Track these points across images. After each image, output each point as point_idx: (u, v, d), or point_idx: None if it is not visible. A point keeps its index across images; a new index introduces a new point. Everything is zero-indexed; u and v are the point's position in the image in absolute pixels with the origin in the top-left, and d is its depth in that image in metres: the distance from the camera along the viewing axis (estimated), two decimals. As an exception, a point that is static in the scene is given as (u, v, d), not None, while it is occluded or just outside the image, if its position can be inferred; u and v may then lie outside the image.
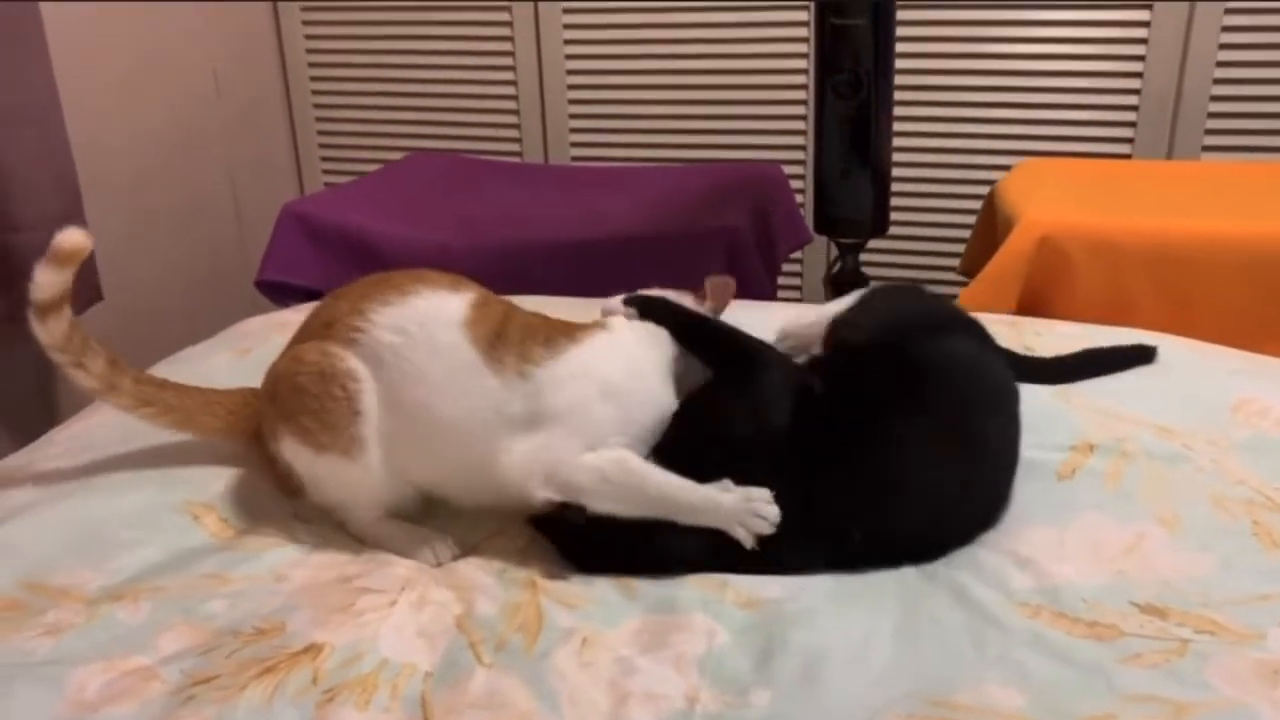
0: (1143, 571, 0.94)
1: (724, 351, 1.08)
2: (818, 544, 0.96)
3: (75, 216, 1.87)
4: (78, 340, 1.10)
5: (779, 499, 0.94)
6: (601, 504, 0.96)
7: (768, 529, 0.94)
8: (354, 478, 1.02)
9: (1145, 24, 2.21)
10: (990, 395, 1.06)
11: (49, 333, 1.08)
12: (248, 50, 2.63)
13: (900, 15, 1.77)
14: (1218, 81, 2.20)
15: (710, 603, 0.92)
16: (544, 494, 0.97)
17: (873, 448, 0.98)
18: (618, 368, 1.03)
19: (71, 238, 1.06)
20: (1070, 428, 1.15)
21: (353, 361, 1.01)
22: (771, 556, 0.95)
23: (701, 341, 1.09)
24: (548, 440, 0.98)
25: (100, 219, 1.96)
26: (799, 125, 2.46)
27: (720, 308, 1.19)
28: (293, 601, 0.95)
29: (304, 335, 1.09)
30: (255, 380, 1.24)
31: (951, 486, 1.00)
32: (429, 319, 1.02)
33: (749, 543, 0.94)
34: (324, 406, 1.01)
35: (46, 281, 1.07)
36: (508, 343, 1.01)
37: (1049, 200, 1.73)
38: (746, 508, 0.94)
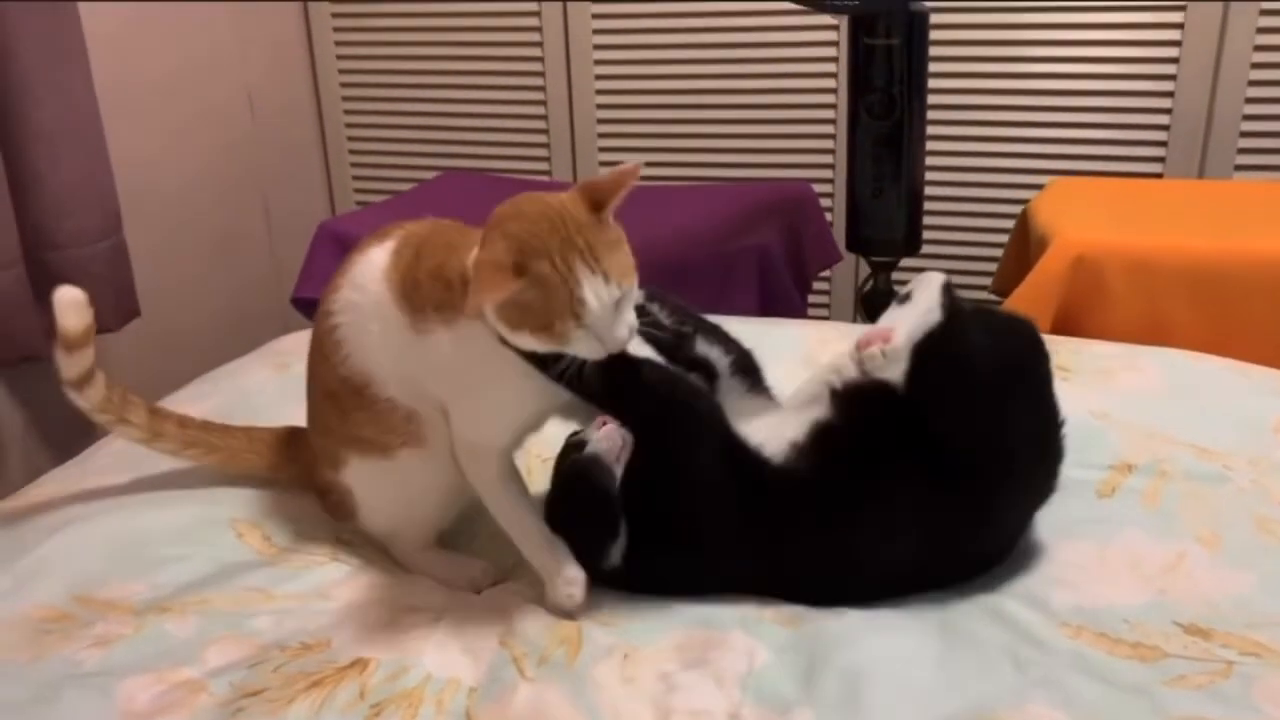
0: (1185, 591, 0.94)
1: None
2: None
3: (115, 234, 1.90)
4: (116, 399, 1.11)
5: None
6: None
7: (570, 606, 0.94)
8: (429, 465, 1.00)
9: (1177, 44, 2.21)
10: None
11: (88, 400, 1.10)
12: (281, 72, 2.67)
13: (932, 35, 1.78)
14: (1250, 101, 2.20)
15: (749, 621, 0.93)
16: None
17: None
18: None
19: (74, 323, 1.06)
20: (1108, 447, 1.15)
21: (352, 364, 0.99)
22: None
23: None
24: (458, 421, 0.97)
25: (138, 236, 1.99)
26: (827, 145, 2.47)
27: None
28: (337, 618, 0.96)
29: (310, 366, 1.08)
30: (296, 393, 1.26)
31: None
32: (364, 280, 0.98)
33: (558, 614, 0.94)
34: (375, 416, 0.99)
35: (69, 363, 1.07)
36: (419, 288, 0.94)
37: (1083, 219, 1.73)
38: (563, 583, 0.94)
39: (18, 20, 1.69)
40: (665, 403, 0.95)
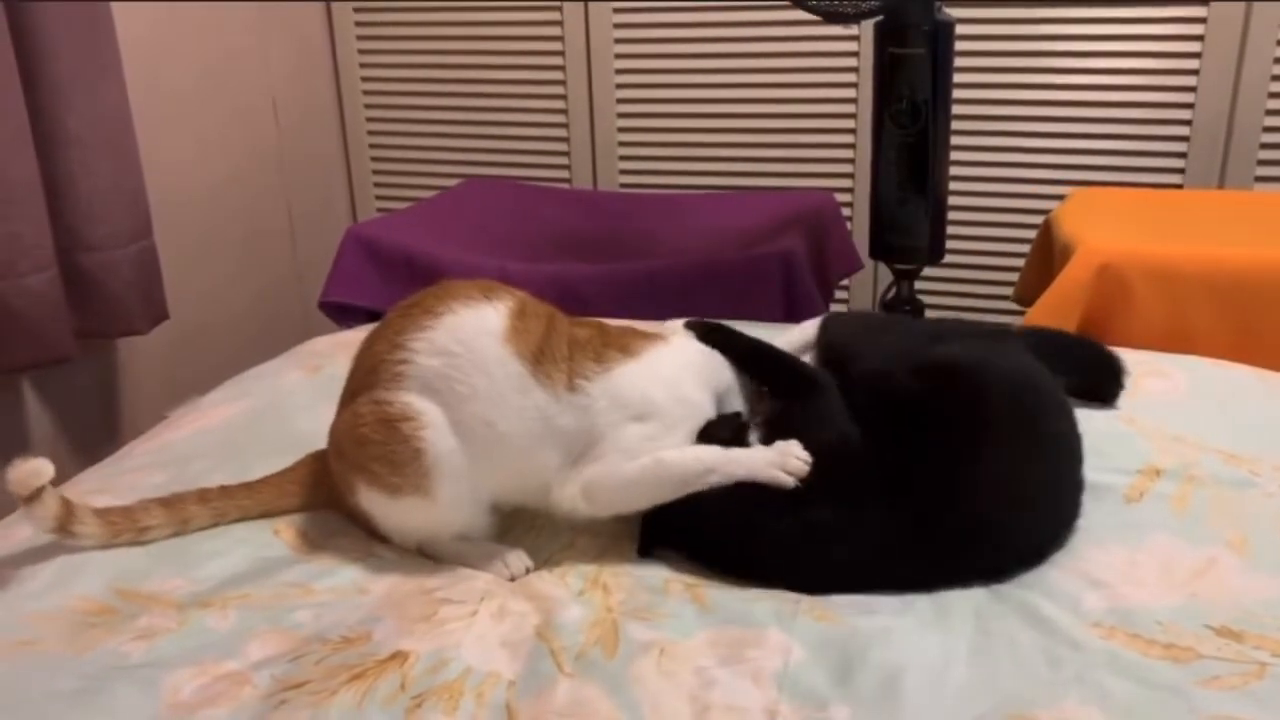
0: (1216, 594, 0.95)
1: (784, 377, 1.13)
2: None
3: (145, 237, 1.92)
4: (129, 520, 1.08)
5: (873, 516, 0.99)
6: (640, 504, 1.02)
7: (803, 470, 0.99)
8: (431, 513, 1.04)
9: (1197, 55, 2.21)
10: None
11: (95, 539, 1.07)
12: (305, 77, 2.70)
13: (956, 46, 1.79)
14: (1270, 113, 2.20)
15: (784, 618, 0.94)
16: (588, 513, 1.03)
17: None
18: (665, 386, 1.04)
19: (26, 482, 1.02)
20: (1136, 452, 1.16)
21: (406, 398, 1.02)
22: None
23: (761, 366, 1.14)
24: (594, 467, 1.02)
25: (164, 240, 2.01)
26: (847, 154, 2.48)
27: None
28: (376, 612, 0.97)
29: (352, 384, 1.09)
30: (329, 394, 1.28)
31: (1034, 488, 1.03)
32: (469, 335, 1.02)
33: (789, 483, 0.99)
34: (390, 451, 1.01)
35: (85, 532, 1.06)
36: (555, 357, 1.03)
37: (1107, 228, 1.74)
38: (781, 453, 1.00)
39: (53, 25, 1.72)
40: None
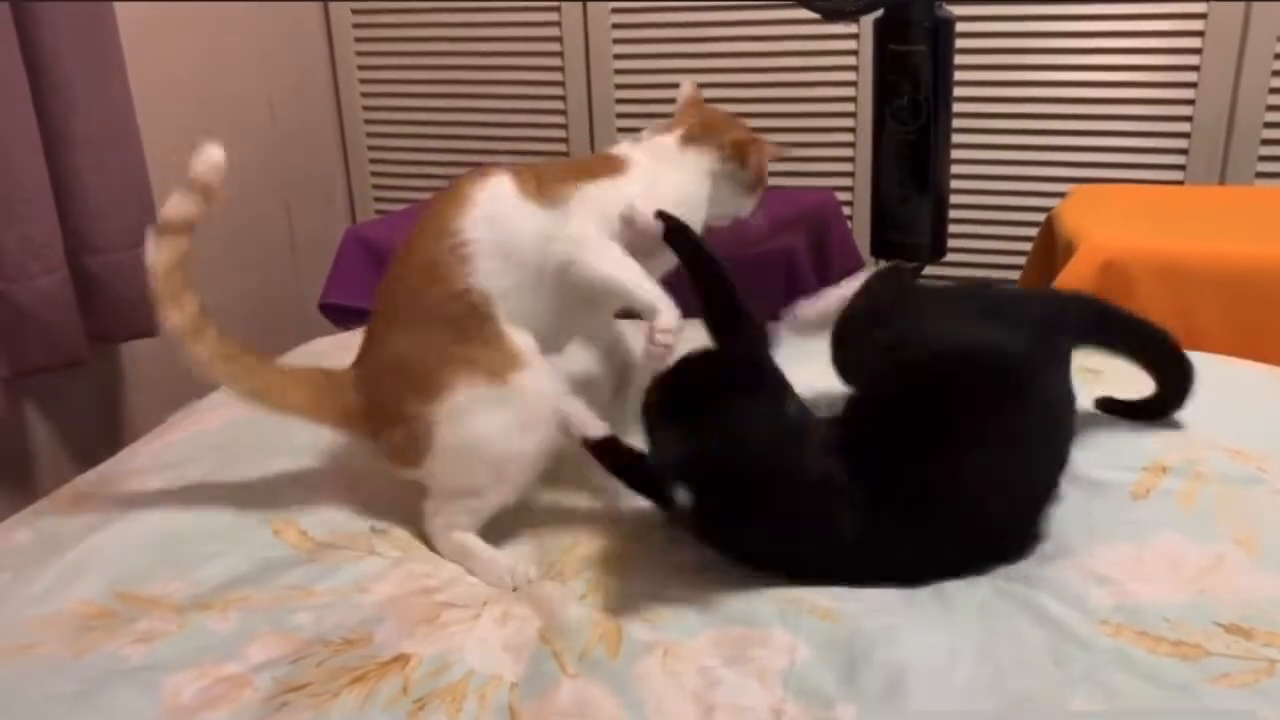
0: (1224, 591, 0.94)
1: (718, 303, 1.09)
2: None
3: (150, 237, 1.91)
4: (179, 278, 1.10)
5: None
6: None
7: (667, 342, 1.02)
8: (524, 398, 1.05)
9: (1197, 51, 2.21)
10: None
11: (156, 252, 1.08)
12: (302, 78, 2.69)
13: (957, 43, 1.78)
14: (1271, 108, 2.20)
15: (788, 617, 0.93)
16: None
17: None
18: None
19: (208, 159, 1.12)
20: (1142, 449, 1.15)
21: (474, 272, 1.06)
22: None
23: (704, 282, 1.10)
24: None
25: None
26: (847, 152, 2.47)
27: (760, 174, 1.29)
28: (377, 613, 0.96)
29: (400, 299, 1.10)
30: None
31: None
32: (498, 201, 1.10)
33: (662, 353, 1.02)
34: (482, 333, 1.06)
35: (174, 202, 1.11)
36: (548, 189, 1.11)
37: (1111, 225, 1.73)
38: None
39: (58, 26, 1.71)
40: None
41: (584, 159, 1.34)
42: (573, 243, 1.08)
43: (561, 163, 1.25)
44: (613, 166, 1.16)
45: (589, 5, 2.53)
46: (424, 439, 1.05)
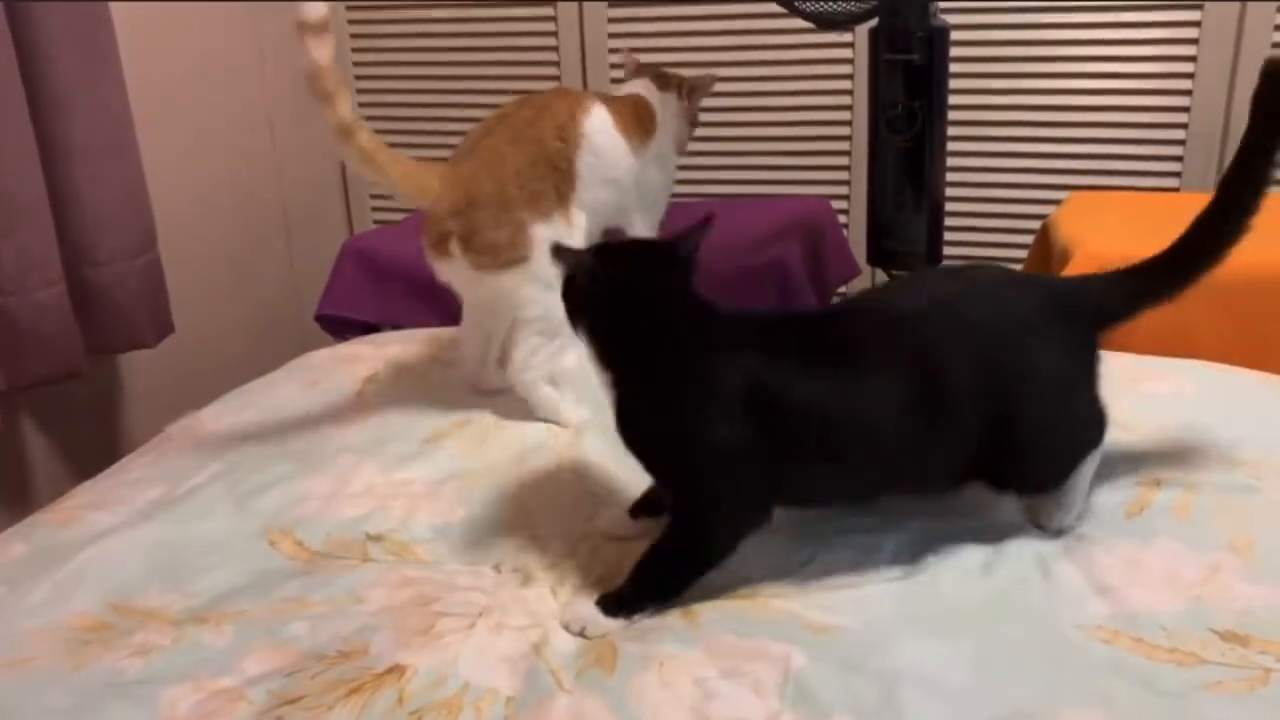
0: (1220, 599, 0.94)
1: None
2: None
3: (150, 249, 1.91)
4: (337, 76, 1.27)
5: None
6: None
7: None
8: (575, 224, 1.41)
9: (1192, 59, 2.22)
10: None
11: (319, 49, 1.27)
12: (299, 89, 2.68)
13: (952, 51, 1.79)
14: (1266, 115, 2.20)
15: (781, 629, 0.93)
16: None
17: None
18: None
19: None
20: (1135, 462, 1.15)
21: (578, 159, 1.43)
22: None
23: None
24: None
25: (163, 254, 2.01)
26: (843, 160, 2.48)
27: (695, 106, 1.71)
28: (373, 623, 0.96)
29: (514, 125, 1.42)
30: (325, 408, 1.28)
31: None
32: (603, 123, 1.49)
33: None
34: (561, 198, 1.41)
35: (313, 6, 1.26)
36: (630, 134, 1.54)
37: (1105, 232, 1.73)
38: None
39: (55, 37, 1.71)
40: None
41: (635, 104, 1.63)
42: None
43: (628, 105, 1.60)
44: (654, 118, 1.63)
45: (585, 14, 2.53)
46: (526, 244, 1.34)
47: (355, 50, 2.75)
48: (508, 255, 1.34)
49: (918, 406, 0.97)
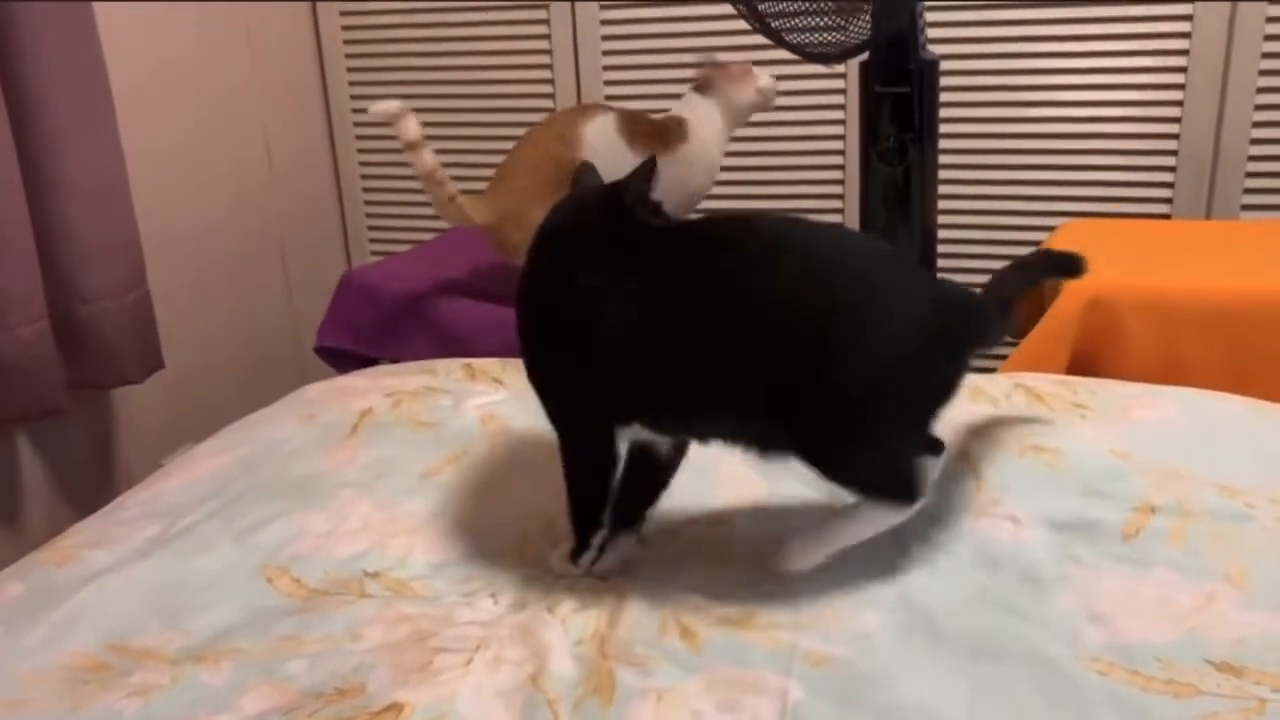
0: (1215, 629, 0.94)
1: None
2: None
3: (139, 286, 1.92)
4: (436, 163, 1.83)
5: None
6: None
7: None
8: None
9: (1180, 87, 2.24)
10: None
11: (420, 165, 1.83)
12: (297, 122, 2.72)
13: (942, 82, 1.81)
14: (1254, 142, 2.23)
15: (779, 660, 0.93)
16: None
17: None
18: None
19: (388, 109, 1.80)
20: (1131, 488, 1.16)
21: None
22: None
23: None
24: None
25: (160, 286, 2.02)
26: (836, 189, 2.50)
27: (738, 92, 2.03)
28: (370, 660, 0.96)
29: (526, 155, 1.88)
30: (323, 442, 1.28)
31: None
32: (602, 129, 1.85)
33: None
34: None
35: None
36: (638, 141, 1.87)
37: (1097, 261, 1.74)
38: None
39: (46, 74, 1.73)
40: None
41: (655, 120, 1.98)
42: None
43: (643, 118, 1.96)
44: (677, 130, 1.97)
45: (577, 6, 2.55)
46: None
47: (354, 97, 2.77)
48: None
49: (723, 325, 0.97)
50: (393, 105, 1.75)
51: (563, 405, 1.09)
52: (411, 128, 1.78)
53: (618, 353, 1.01)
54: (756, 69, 2.01)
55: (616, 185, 1.06)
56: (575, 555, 1.09)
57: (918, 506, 1.02)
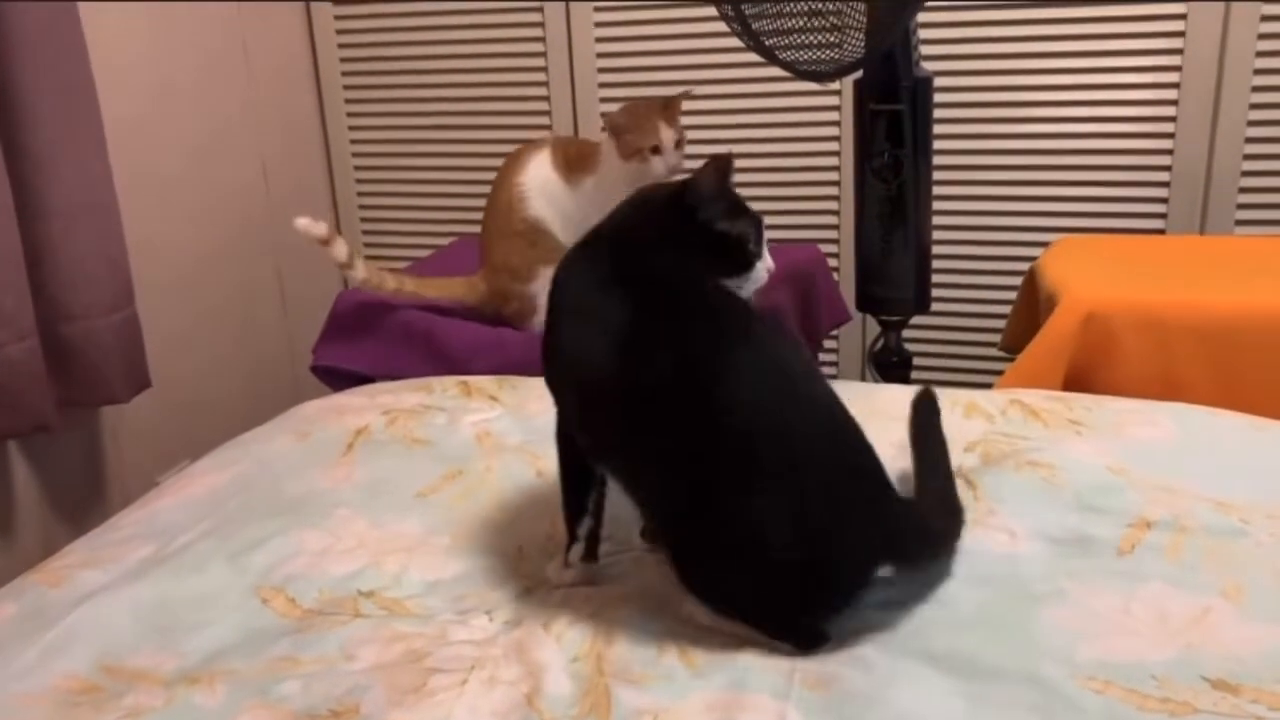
0: (1211, 645, 0.94)
1: None
2: None
3: (126, 306, 1.92)
4: (374, 273, 1.92)
5: None
6: None
7: None
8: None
9: (1174, 103, 2.25)
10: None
11: (356, 274, 1.92)
12: (294, 143, 2.72)
13: (936, 98, 1.82)
14: (1248, 158, 2.23)
15: (778, 682, 0.92)
16: None
17: None
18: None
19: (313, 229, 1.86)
20: (1126, 503, 1.16)
21: (532, 212, 1.89)
22: None
23: None
24: None
25: (158, 304, 2.02)
26: (832, 205, 2.50)
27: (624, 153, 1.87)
28: (364, 681, 0.96)
29: (497, 221, 1.93)
30: (317, 461, 1.28)
31: None
32: (538, 167, 1.90)
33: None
34: (534, 236, 1.88)
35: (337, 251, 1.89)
36: (571, 169, 1.89)
37: (1092, 277, 1.75)
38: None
39: (34, 95, 1.73)
40: None
41: (578, 144, 2.01)
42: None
43: (573, 145, 1.99)
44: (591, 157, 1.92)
45: (571, 6, 2.55)
46: (530, 305, 1.88)
47: (350, 115, 2.78)
48: (527, 323, 1.88)
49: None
50: (321, 227, 1.83)
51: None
52: (341, 250, 1.88)
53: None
54: (667, 136, 1.81)
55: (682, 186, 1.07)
56: (567, 549, 1.10)
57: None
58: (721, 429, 0.95)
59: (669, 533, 1.02)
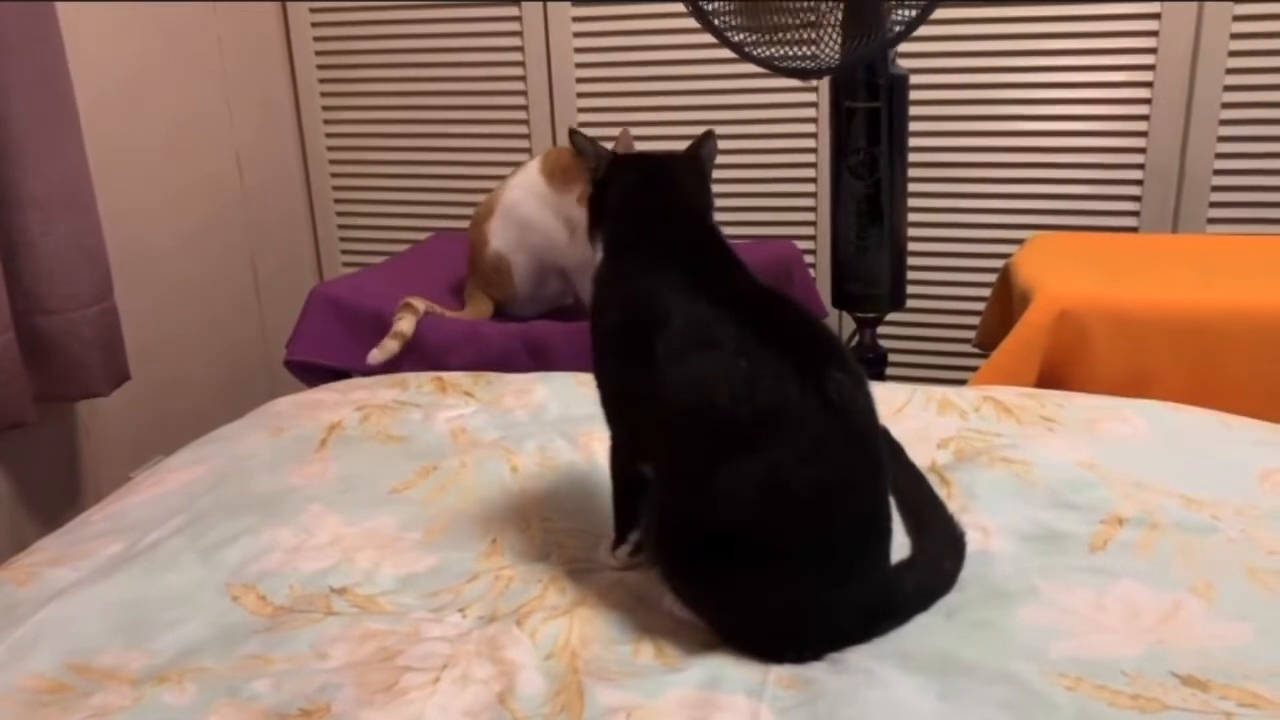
0: (1182, 641, 0.95)
1: None
2: None
3: (106, 298, 1.90)
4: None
5: None
6: None
7: None
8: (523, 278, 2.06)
9: (1147, 101, 2.27)
10: None
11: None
12: (269, 135, 2.70)
13: (912, 96, 1.82)
14: (1219, 156, 2.25)
15: (752, 682, 0.92)
16: None
17: None
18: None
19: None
20: (1098, 500, 1.17)
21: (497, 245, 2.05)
22: None
23: None
24: None
25: (130, 298, 2.00)
26: (809, 203, 2.51)
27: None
28: (336, 680, 0.95)
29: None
30: (291, 457, 1.27)
31: None
32: (525, 180, 2.04)
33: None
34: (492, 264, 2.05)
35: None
36: (556, 178, 1.99)
37: (1065, 274, 1.76)
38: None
39: (10, 87, 1.71)
40: None
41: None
42: None
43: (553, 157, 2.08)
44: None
45: (549, 5, 2.54)
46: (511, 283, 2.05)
47: (325, 108, 2.76)
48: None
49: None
50: (393, 345, 1.88)
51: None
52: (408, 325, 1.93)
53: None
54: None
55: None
56: (614, 546, 1.13)
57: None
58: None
59: (669, 533, 1.02)
